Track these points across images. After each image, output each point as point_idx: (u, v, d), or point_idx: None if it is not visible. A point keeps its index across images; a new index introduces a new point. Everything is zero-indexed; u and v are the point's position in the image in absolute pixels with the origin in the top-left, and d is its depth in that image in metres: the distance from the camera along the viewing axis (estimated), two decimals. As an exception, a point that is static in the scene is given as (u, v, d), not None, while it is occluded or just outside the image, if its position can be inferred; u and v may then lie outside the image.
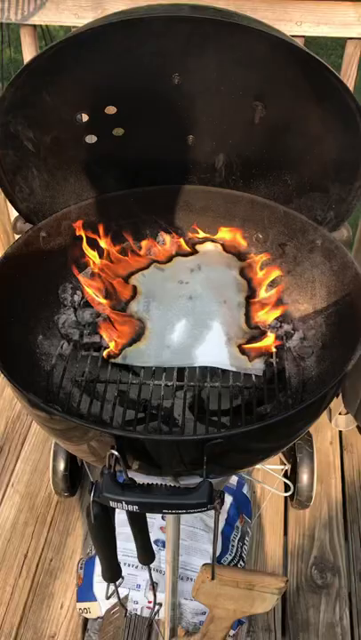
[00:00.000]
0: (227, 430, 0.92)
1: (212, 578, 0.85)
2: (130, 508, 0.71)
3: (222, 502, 0.72)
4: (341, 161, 1.03)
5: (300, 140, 1.04)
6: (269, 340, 1.01)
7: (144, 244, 1.17)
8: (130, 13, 0.93)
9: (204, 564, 0.86)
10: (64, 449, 1.42)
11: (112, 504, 0.71)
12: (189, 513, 0.72)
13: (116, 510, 0.79)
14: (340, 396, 1.61)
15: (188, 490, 0.72)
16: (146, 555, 0.88)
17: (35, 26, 1.40)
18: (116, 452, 0.73)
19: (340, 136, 1.00)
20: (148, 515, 0.84)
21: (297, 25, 1.31)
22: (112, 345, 1.00)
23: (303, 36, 1.33)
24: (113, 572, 0.87)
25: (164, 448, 0.79)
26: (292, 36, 1.18)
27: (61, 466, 1.42)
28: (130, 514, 0.80)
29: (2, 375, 0.84)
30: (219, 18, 0.89)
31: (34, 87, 0.93)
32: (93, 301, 1.04)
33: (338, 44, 1.39)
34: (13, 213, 1.18)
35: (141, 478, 0.77)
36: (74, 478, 1.47)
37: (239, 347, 1.02)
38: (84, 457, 0.94)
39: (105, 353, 1.01)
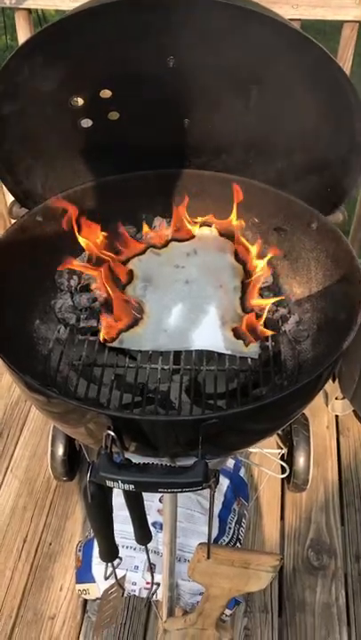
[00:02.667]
0: (222, 410, 0.93)
1: (208, 557, 0.86)
2: (126, 487, 0.72)
3: (217, 481, 0.73)
4: (337, 145, 1.03)
5: (295, 123, 1.04)
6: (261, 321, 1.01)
7: (140, 228, 1.18)
8: (124, -5, 0.92)
9: (200, 544, 0.87)
10: (62, 434, 1.43)
11: (108, 483, 0.72)
12: (185, 492, 0.73)
13: (114, 493, 0.80)
14: (337, 381, 1.62)
15: (183, 469, 0.73)
16: (143, 535, 0.89)
17: (29, 10, 1.40)
18: (112, 433, 0.74)
19: (335, 119, 1.01)
20: (145, 497, 0.85)
21: (293, 8, 1.31)
22: (103, 333, 1.00)
23: (300, 19, 1.32)
24: (110, 552, 0.88)
25: (160, 429, 0.80)
26: (289, 18, 1.17)
27: (60, 450, 1.43)
28: (126, 494, 0.81)
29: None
30: (213, -1, 0.89)
31: (28, 69, 0.93)
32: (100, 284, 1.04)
33: (336, 29, 1.39)
34: (9, 198, 1.19)
35: (139, 460, 0.78)
36: (72, 463, 1.48)
37: (234, 330, 1.03)
38: (82, 439, 0.95)
39: (102, 337, 1.02)
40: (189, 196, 1.19)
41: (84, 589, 1.29)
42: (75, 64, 0.98)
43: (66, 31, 0.90)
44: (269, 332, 1.01)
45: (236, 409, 0.80)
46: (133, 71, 1.00)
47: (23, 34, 1.41)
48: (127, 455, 0.78)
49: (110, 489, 0.77)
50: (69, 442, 1.44)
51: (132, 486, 0.72)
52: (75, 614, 1.30)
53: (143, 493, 0.82)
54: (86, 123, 1.09)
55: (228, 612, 1.25)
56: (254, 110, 1.06)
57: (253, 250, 1.08)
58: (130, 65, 0.99)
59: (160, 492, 0.73)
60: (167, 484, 0.72)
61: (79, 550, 1.33)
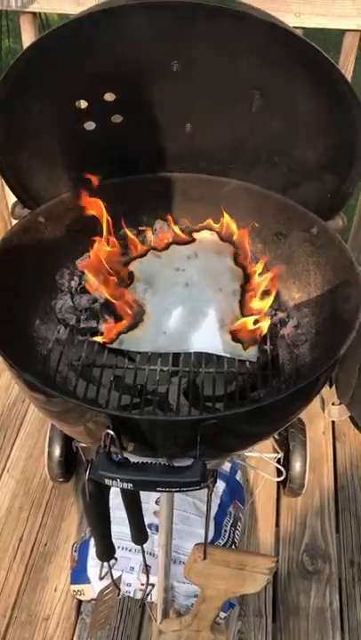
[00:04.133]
0: (221, 411, 0.93)
1: (204, 557, 0.87)
2: (124, 485, 0.72)
3: (215, 481, 0.74)
4: (338, 150, 1.04)
5: (297, 129, 1.06)
6: (257, 323, 1.02)
7: (141, 231, 1.18)
8: None
9: (197, 544, 0.88)
10: (60, 435, 1.43)
11: (107, 482, 0.73)
12: (182, 491, 0.73)
13: (110, 495, 0.80)
14: (334, 387, 1.62)
15: (181, 468, 0.73)
16: (140, 535, 0.89)
17: (35, 13, 1.41)
18: (111, 432, 0.75)
19: (336, 126, 1.02)
20: (141, 499, 0.85)
21: (296, 16, 1.32)
22: (102, 337, 1.01)
23: (302, 28, 1.33)
24: (107, 551, 0.88)
25: (159, 429, 0.80)
26: (292, 27, 1.18)
27: (57, 451, 1.43)
28: (124, 493, 0.81)
29: (-1, 360, 0.85)
30: (219, 5, 0.90)
31: (33, 73, 0.94)
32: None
33: (337, 38, 1.40)
34: (11, 199, 1.19)
35: (136, 459, 0.78)
36: (69, 464, 1.48)
37: (233, 333, 1.04)
38: (81, 438, 0.95)
39: (101, 338, 1.02)
40: (190, 199, 1.20)
41: (78, 590, 1.29)
42: (79, 67, 0.99)
43: (71, 35, 0.91)
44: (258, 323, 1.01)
45: (235, 410, 0.81)
46: (137, 75, 1.01)
47: (28, 37, 1.42)
48: (125, 455, 0.78)
49: (108, 488, 0.78)
50: (66, 443, 1.45)
51: (130, 485, 0.72)
52: (69, 615, 1.30)
53: (140, 494, 0.83)
54: (89, 125, 1.09)
55: (222, 614, 1.25)
56: (256, 115, 1.07)
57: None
58: (134, 69, 1.00)
59: (158, 491, 0.73)
60: (165, 484, 0.72)
61: (75, 551, 1.33)
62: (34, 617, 1.30)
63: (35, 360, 1.03)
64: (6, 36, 3.33)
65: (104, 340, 1.02)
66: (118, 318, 1.05)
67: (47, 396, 0.82)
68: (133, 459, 0.78)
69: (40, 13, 1.44)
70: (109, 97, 1.05)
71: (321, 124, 1.03)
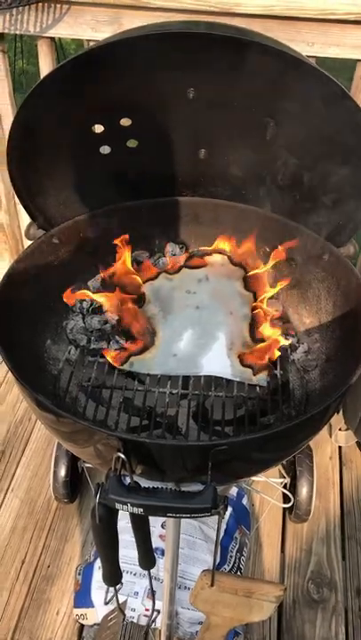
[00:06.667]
0: (233, 437, 0.93)
1: (212, 584, 0.86)
2: (135, 510, 0.72)
3: (226, 508, 0.73)
4: (350, 178, 1.05)
5: (309, 156, 1.06)
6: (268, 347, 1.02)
7: (153, 253, 1.19)
8: (148, 29, 0.95)
9: (204, 571, 0.87)
10: (65, 455, 1.43)
11: (117, 506, 0.72)
12: (193, 517, 0.73)
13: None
14: (341, 412, 1.62)
15: (192, 494, 0.73)
16: (148, 559, 0.89)
17: (52, 38, 1.44)
18: (122, 456, 0.74)
19: (349, 154, 1.03)
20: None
21: (308, 45, 1.34)
22: (110, 356, 1.02)
23: (315, 57, 1.35)
24: (114, 576, 0.87)
25: (171, 453, 0.80)
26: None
27: (62, 472, 1.43)
28: (133, 518, 0.81)
29: (5, 380, 0.85)
30: (235, 35, 0.91)
31: (54, 97, 0.95)
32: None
33: (346, 66, 1.42)
34: (24, 220, 1.20)
35: (144, 483, 0.78)
36: (74, 484, 1.47)
37: (243, 358, 1.04)
38: (89, 459, 0.95)
39: (111, 360, 1.02)
40: (202, 223, 1.21)
41: (81, 614, 1.27)
42: (98, 93, 1.00)
43: (92, 61, 0.93)
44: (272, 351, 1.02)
45: (247, 436, 0.81)
46: (154, 101, 1.03)
47: (45, 61, 1.45)
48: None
49: (117, 511, 0.77)
50: (72, 463, 1.44)
51: (140, 510, 0.72)
52: (70, 640, 1.29)
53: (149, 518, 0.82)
54: (104, 149, 1.11)
55: (226, 642, 1.23)
56: (269, 142, 1.08)
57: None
58: (151, 95, 1.01)
59: (168, 516, 0.73)
60: (176, 509, 0.72)
61: (79, 574, 1.32)
62: (35, 640, 1.29)
63: (45, 380, 1.03)
64: (20, 57, 3.40)
65: (114, 362, 1.02)
66: (129, 339, 1.05)
67: (57, 416, 0.82)
68: (141, 482, 0.77)
69: (54, 38, 1.47)
70: (125, 122, 1.07)
71: (334, 153, 1.04)
